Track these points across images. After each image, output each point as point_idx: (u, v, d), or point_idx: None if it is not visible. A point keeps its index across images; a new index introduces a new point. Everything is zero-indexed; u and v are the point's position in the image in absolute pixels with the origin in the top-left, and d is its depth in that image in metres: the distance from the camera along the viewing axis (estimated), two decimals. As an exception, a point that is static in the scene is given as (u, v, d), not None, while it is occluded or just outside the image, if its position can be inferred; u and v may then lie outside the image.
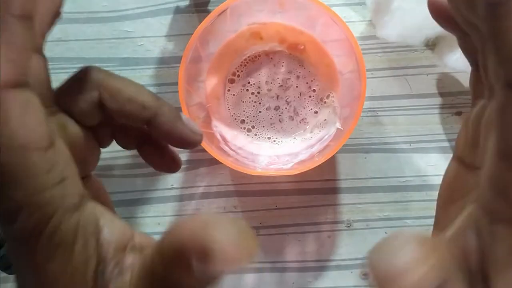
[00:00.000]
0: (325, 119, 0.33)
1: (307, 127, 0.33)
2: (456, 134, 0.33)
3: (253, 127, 0.33)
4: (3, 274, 0.32)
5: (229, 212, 0.34)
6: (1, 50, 0.15)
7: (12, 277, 0.33)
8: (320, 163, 0.28)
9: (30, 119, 0.16)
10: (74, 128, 0.21)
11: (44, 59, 0.20)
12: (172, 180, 0.34)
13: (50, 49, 0.35)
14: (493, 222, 0.13)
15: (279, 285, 0.33)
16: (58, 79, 0.34)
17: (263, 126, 0.33)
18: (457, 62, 0.31)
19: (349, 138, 0.34)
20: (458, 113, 0.34)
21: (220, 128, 0.32)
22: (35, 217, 0.16)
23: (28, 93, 0.16)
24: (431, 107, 0.34)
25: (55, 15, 0.20)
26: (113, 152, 0.34)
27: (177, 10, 0.35)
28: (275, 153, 0.33)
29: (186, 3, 0.35)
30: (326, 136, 0.32)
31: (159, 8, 0.35)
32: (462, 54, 0.30)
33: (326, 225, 0.33)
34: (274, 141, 0.33)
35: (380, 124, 0.34)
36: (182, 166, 0.31)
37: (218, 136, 0.31)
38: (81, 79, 0.22)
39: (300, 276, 0.33)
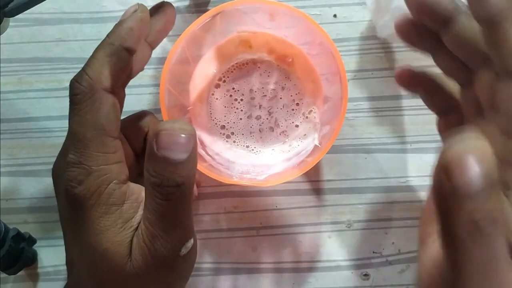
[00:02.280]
0: (305, 134, 0.33)
1: (287, 139, 0.33)
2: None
3: (232, 133, 0.33)
4: (3, 275, 0.32)
5: (229, 212, 0.34)
6: (109, 67, 0.23)
7: (12, 277, 0.33)
8: (293, 177, 0.28)
9: (112, 114, 0.23)
10: (127, 146, 0.28)
11: (124, 94, 0.27)
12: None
13: (50, 49, 0.35)
14: None
15: (279, 286, 0.33)
16: (58, 79, 0.35)
17: (242, 134, 0.33)
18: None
19: (350, 138, 0.34)
20: (459, 113, 0.34)
21: (200, 132, 0.32)
22: (100, 180, 0.22)
23: (115, 101, 0.23)
24: (431, 107, 0.34)
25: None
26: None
27: (177, 11, 0.35)
28: (252, 162, 0.33)
29: (186, 3, 0.35)
30: (303, 151, 0.32)
31: (159, 8, 0.35)
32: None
33: (327, 226, 0.33)
34: (252, 150, 0.33)
35: (380, 124, 0.34)
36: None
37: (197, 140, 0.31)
38: (139, 117, 0.29)
39: (300, 276, 0.33)
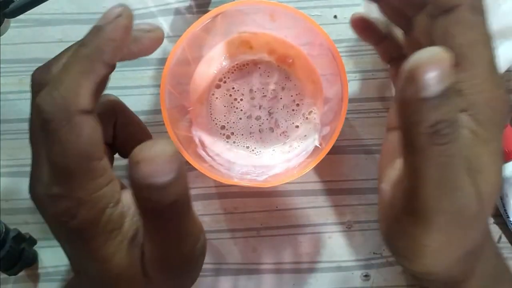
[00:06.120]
0: (305, 135, 0.33)
1: (287, 140, 0.33)
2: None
3: (232, 133, 0.33)
4: (4, 275, 0.32)
5: (229, 213, 0.34)
6: (87, 88, 0.19)
7: (12, 278, 0.33)
8: (293, 178, 0.28)
9: (95, 136, 0.20)
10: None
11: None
12: (173, 181, 0.34)
13: (51, 51, 0.35)
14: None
15: (280, 286, 0.33)
16: (59, 80, 0.35)
17: (242, 134, 0.33)
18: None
19: (350, 139, 0.34)
20: (459, 114, 0.34)
21: (200, 133, 0.32)
22: (95, 209, 0.20)
23: (95, 119, 0.20)
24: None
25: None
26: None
27: (178, 11, 0.35)
28: (252, 163, 0.33)
29: (187, 4, 0.35)
30: (304, 152, 0.32)
31: (160, 9, 0.35)
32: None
33: (327, 226, 0.33)
34: (253, 150, 0.33)
35: (381, 125, 0.34)
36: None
37: (197, 141, 0.32)
38: (105, 106, 0.26)
39: (301, 277, 0.33)
